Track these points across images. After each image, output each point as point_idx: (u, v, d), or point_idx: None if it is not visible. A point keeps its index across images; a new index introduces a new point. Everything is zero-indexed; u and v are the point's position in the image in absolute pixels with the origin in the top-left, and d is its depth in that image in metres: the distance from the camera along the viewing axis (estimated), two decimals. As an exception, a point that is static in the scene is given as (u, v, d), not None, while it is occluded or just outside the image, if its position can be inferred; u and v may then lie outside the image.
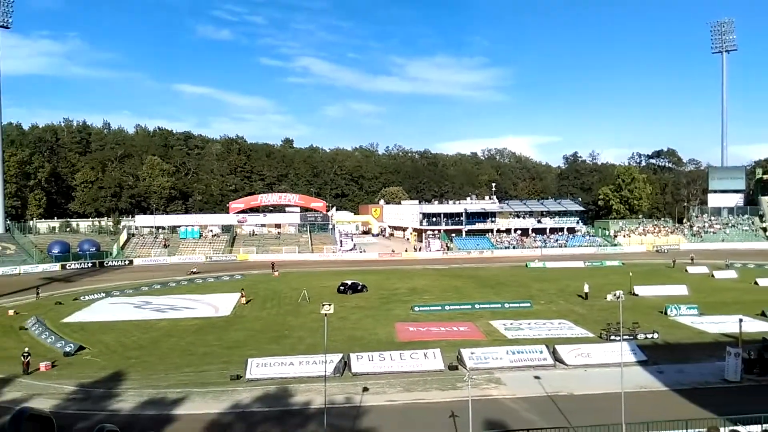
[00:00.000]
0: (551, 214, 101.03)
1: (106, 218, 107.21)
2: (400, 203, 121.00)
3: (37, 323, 36.17)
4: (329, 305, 21.04)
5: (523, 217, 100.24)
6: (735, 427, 16.28)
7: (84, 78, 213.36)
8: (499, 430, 19.82)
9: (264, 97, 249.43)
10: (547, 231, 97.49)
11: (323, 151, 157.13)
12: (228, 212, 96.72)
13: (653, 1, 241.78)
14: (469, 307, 42.21)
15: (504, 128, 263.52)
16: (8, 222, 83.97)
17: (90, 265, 73.13)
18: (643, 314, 37.78)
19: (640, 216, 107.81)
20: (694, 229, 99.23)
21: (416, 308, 42.05)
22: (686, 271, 62.11)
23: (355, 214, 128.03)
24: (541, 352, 27.39)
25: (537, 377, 24.84)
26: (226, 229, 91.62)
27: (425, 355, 27.03)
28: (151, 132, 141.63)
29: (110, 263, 75.22)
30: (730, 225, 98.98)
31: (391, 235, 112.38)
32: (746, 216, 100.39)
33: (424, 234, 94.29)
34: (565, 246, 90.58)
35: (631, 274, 51.37)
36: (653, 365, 26.67)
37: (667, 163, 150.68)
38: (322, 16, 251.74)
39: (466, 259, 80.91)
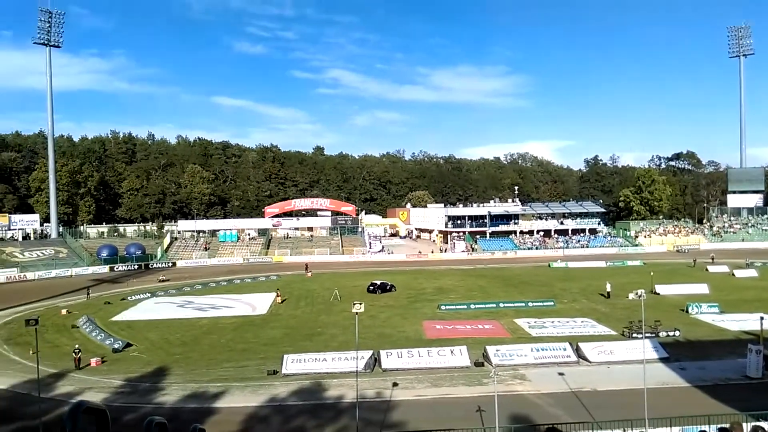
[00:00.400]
0: (573, 215, 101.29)
1: (150, 223, 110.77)
2: (426, 207, 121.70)
3: (88, 322, 37.87)
4: (360, 304, 21.76)
5: (546, 219, 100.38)
6: (758, 423, 16.33)
7: (129, 92, 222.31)
8: (525, 425, 20.20)
9: (296, 108, 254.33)
10: (569, 232, 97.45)
11: (352, 157, 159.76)
12: (264, 217, 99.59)
13: (671, 6, 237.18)
14: (494, 305, 42.64)
15: (526, 133, 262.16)
16: (61, 228, 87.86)
17: (136, 267, 76.01)
18: (665, 312, 37.54)
19: (661, 217, 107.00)
20: (714, 229, 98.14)
21: (443, 307, 42.65)
22: (707, 270, 61.07)
23: (383, 217, 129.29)
24: (565, 349, 27.69)
25: (561, 374, 25.14)
26: (262, 232, 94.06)
27: (452, 352, 27.58)
28: (192, 142, 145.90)
29: (155, 265, 78.00)
30: (749, 225, 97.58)
31: (418, 237, 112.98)
32: (765, 216, 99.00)
33: (449, 236, 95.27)
34: (587, 246, 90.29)
35: (652, 273, 51.02)
36: (675, 362, 26.74)
37: (686, 165, 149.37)
38: (351, 30, 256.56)
39: (490, 260, 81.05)
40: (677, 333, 32.20)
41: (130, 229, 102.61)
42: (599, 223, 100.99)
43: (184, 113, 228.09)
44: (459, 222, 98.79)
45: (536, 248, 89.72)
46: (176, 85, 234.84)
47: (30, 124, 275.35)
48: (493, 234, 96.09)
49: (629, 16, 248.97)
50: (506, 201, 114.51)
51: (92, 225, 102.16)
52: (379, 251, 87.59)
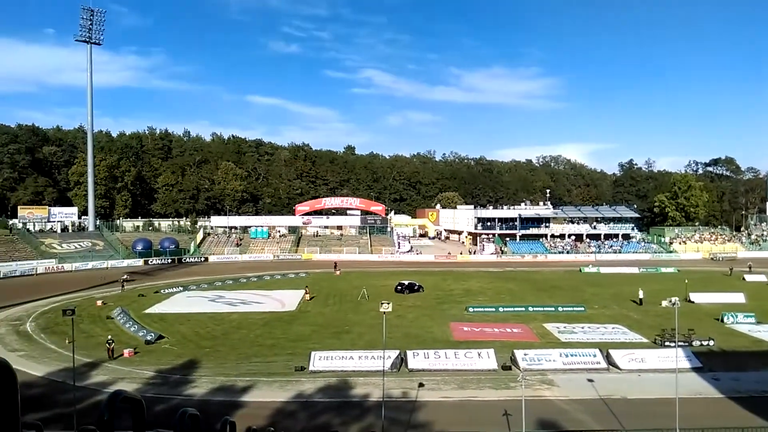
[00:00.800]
0: (606, 220, 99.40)
1: (184, 218, 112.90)
2: (455, 208, 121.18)
3: (122, 313, 38.95)
4: (388, 304, 21.86)
5: (578, 223, 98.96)
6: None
7: (166, 90, 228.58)
8: (552, 431, 20.03)
9: (329, 107, 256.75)
10: (602, 237, 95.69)
11: (383, 157, 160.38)
12: (294, 214, 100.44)
13: (708, 7, 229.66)
14: (523, 309, 42.23)
15: (559, 136, 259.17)
16: (98, 221, 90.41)
17: (169, 261, 77.59)
18: (699, 321, 36.49)
19: (697, 224, 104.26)
20: (753, 237, 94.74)
21: (471, 309, 42.36)
22: (743, 279, 59.27)
23: (412, 217, 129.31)
24: (595, 355, 27.25)
25: (590, 380, 24.79)
26: (293, 230, 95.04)
27: (479, 355, 27.44)
28: (226, 139, 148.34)
29: (188, 260, 79.60)
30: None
31: (447, 238, 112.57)
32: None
33: (478, 238, 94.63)
34: (620, 252, 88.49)
35: (686, 281, 49.77)
36: (708, 372, 26.14)
37: (724, 171, 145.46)
38: (384, 31, 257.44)
39: (519, 263, 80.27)
40: (711, 342, 31.44)
41: (164, 224, 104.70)
42: (633, 229, 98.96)
43: (218, 111, 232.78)
44: (489, 224, 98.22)
45: (567, 252, 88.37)
46: (211, 83, 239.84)
47: (70, 119, 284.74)
48: (523, 237, 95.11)
49: (665, 17, 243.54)
50: (537, 204, 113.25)
51: (128, 219, 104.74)
52: (408, 251, 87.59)
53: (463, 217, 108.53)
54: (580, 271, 68.68)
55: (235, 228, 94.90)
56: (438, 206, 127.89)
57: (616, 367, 26.77)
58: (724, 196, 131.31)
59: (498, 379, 25.44)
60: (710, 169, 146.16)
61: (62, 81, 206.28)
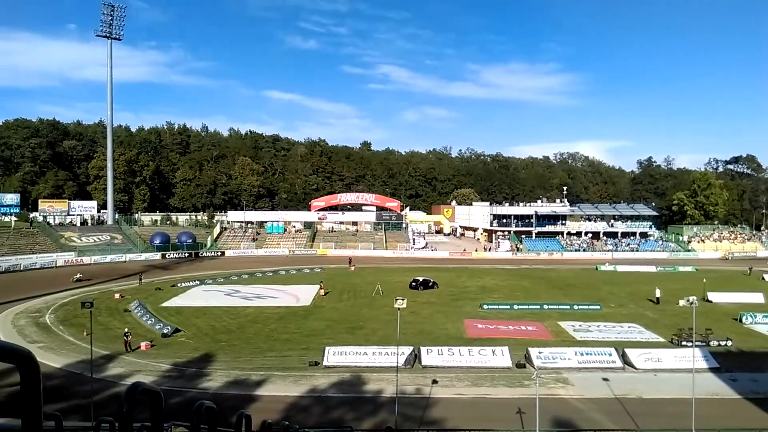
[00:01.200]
0: (623, 218, 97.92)
1: (201, 213, 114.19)
2: (471, 204, 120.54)
3: (140, 306, 39.50)
4: (402, 300, 21.92)
5: (595, 221, 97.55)
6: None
7: (185, 85, 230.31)
8: (567, 429, 19.94)
9: (345, 103, 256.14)
10: (619, 235, 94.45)
11: (399, 153, 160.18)
12: (310, 210, 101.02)
13: (731, 3, 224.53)
14: (538, 307, 41.97)
15: (577, 132, 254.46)
16: (117, 214, 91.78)
17: (186, 255, 78.46)
18: (717, 321, 36.19)
19: (716, 222, 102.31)
20: None
21: (485, 306, 42.18)
22: (763, 278, 58.05)
23: (427, 214, 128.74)
24: (610, 354, 27.04)
25: (605, 379, 24.64)
26: (308, 225, 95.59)
27: (493, 352, 27.39)
28: (243, 135, 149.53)
29: (204, 254, 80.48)
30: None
31: (462, 235, 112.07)
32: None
33: (494, 235, 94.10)
34: (637, 250, 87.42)
35: (704, 280, 49.10)
36: (726, 372, 25.83)
37: (745, 170, 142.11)
38: (402, 26, 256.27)
39: (535, 260, 79.90)
40: (729, 343, 31.02)
41: (182, 218, 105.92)
42: (651, 227, 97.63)
43: (236, 106, 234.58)
44: (504, 221, 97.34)
45: (584, 250, 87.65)
46: (229, 78, 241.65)
47: (91, 114, 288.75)
48: (539, 234, 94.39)
49: (686, 13, 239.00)
50: (554, 201, 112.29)
51: (146, 213, 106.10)
52: (423, 248, 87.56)
53: (478, 213, 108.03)
54: (597, 269, 68.09)
55: (252, 223, 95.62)
56: (453, 203, 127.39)
57: (632, 366, 26.54)
58: (745, 195, 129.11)
59: (512, 376, 25.37)
60: (731, 167, 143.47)
61: (83, 76, 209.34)
